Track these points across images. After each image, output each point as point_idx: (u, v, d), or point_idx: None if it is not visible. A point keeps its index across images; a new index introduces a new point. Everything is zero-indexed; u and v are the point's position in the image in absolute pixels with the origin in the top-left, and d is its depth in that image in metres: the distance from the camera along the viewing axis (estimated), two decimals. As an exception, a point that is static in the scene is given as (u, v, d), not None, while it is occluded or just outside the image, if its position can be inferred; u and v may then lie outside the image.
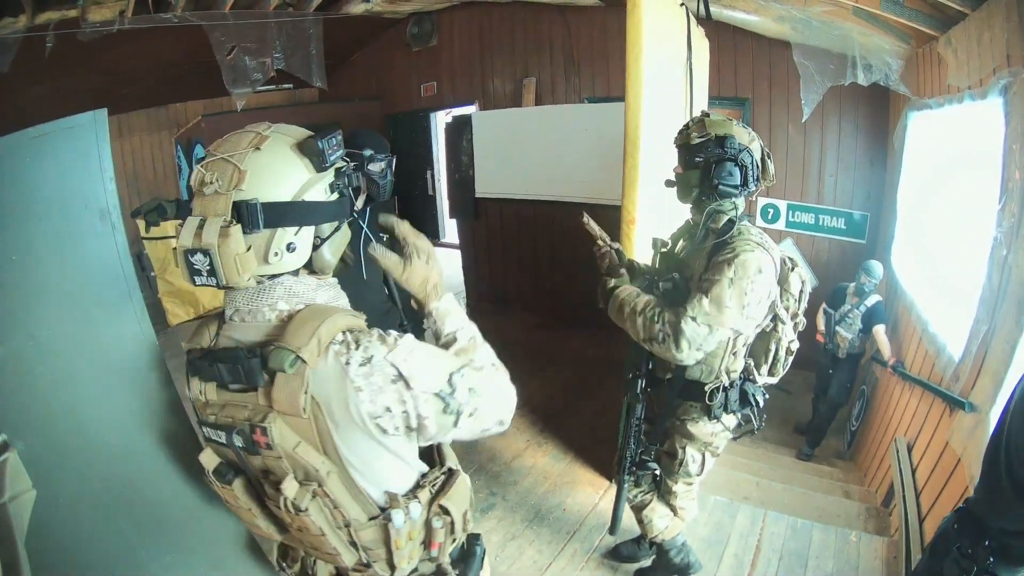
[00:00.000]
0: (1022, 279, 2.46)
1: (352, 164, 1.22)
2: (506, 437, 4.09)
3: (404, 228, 1.36)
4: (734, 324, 1.97)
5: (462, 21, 7.05)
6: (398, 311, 2.95)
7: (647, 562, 2.90)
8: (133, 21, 4.68)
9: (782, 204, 5.59)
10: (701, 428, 2.31)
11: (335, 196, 1.16)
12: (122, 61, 5.76)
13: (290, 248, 1.10)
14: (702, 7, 3.72)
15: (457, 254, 7.44)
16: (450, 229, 8.66)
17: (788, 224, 5.62)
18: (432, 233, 8.97)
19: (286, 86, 7.73)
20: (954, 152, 3.54)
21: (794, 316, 2.21)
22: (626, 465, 2.48)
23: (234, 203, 1.03)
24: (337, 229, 1.20)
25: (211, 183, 1.05)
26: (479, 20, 6.88)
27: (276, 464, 1.13)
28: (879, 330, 4.38)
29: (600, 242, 2.34)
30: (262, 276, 1.13)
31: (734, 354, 2.19)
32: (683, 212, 2.32)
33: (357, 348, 1.06)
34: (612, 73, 5.98)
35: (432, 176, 8.55)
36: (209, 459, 1.24)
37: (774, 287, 2.04)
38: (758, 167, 2.11)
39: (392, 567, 1.26)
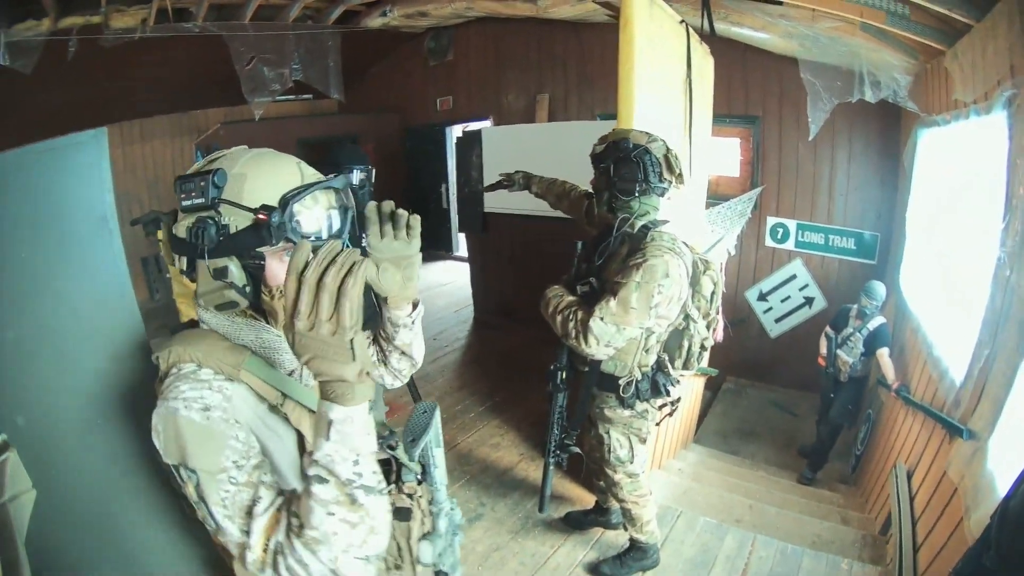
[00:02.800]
0: None
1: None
2: (500, 450, 4.12)
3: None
4: (640, 323, 2.15)
5: (478, 36, 7.12)
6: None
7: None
8: (155, 29, 4.78)
9: (792, 224, 5.51)
10: (618, 413, 2.57)
11: (188, 240, 1.13)
12: (144, 68, 5.87)
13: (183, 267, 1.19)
14: (707, 24, 3.68)
15: (467, 267, 7.44)
16: (462, 243, 8.71)
17: (797, 244, 5.55)
18: (445, 246, 8.99)
19: (305, 96, 7.82)
20: (961, 170, 3.46)
21: (706, 315, 2.48)
22: (550, 448, 2.70)
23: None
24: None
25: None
26: (495, 36, 6.94)
27: None
28: (883, 353, 4.28)
29: None
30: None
31: (646, 351, 2.43)
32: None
33: (169, 381, 1.11)
34: (624, 90, 5.96)
35: (446, 189, 8.59)
36: None
37: (686, 289, 2.22)
38: (659, 164, 2.26)
39: None
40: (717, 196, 5.41)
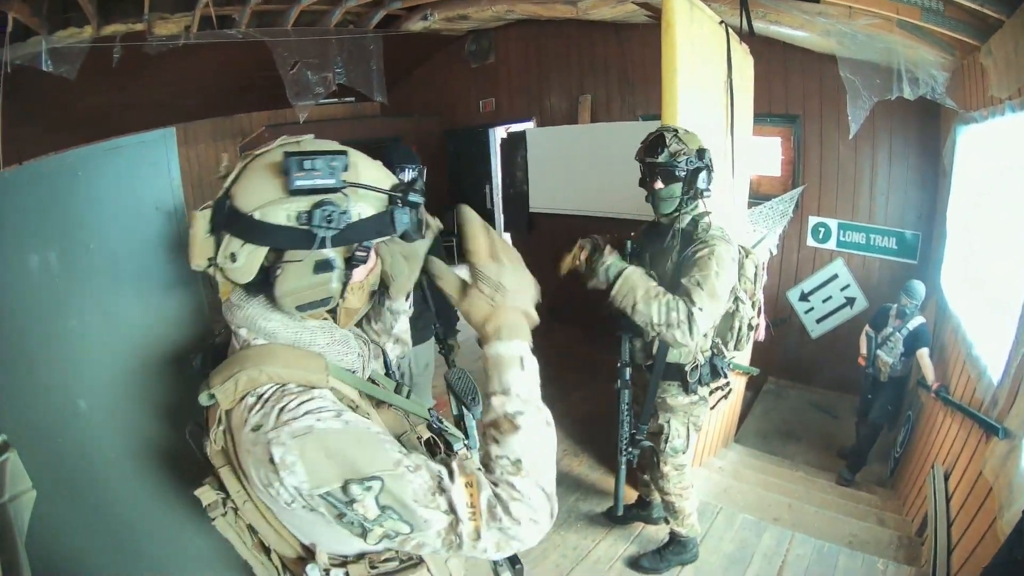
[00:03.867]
0: None
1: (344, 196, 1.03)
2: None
3: (474, 233, 1.15)
4: (724, 309, 2.32)
5: (518, 39, 7.20)
6: (431, 312, 3.05)
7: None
8: (199, 36, 4.97)
9: (833, 223, 5.46)
10: (680, 400, 2.65)
11: (298, 226, 1.01)
12: (188, 73, 6.08)
13: (233, 259, 1.03)
14: (745, 24, 3.70)
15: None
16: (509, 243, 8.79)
17: (839, 243, 5.49)
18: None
19: (348, 99, 8.00)
20: (999, 167, 3.41)
21: (751, 296, 2.60)
22: (622, 446, 2.73)
23: (218, 200, 1.05)
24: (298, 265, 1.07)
25: (222, 179, 1.08)
26: (535, 38, 7.01)
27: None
28: (923, 354, 4.22)
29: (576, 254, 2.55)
30: (231, 288, 1.12)
31: (705, 335, 2.52)
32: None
33: (259, 411, 1.00)
34: (664, 91, 5.98)
35: (490, 190, 8.69)
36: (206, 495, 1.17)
37: (736, 272, 2.40)
38: (711, 168, 2.42)
39: None
40: (759, 196, 5.42)
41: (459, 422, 1.50)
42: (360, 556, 1.14)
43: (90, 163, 1.75)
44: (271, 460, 0.94)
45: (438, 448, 1.32)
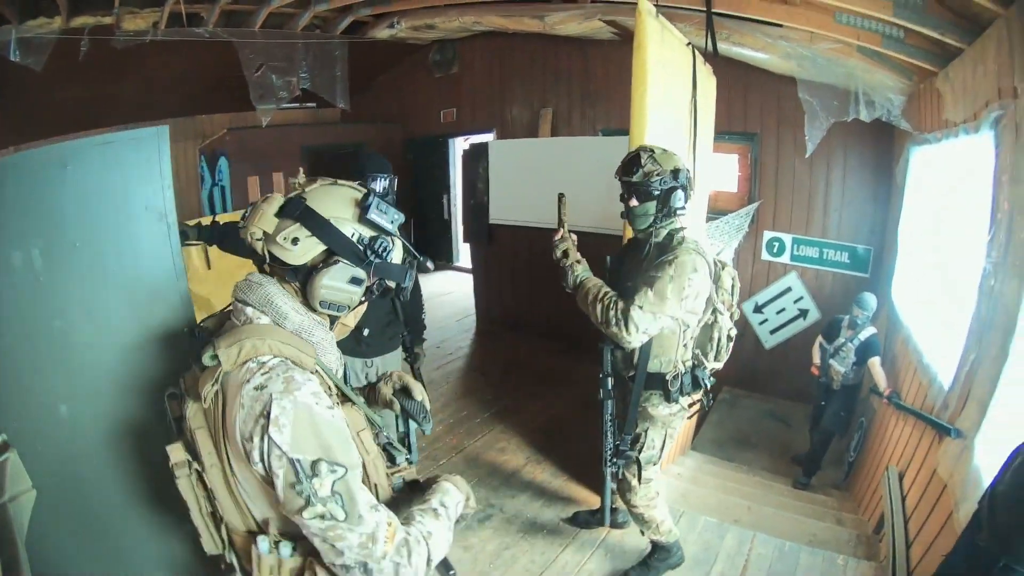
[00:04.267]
0: (1008, 308, 2.51)
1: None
2: (506, 453, 4.20)
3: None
4: (673, 312, 2.33)
5: (483, 50, 7.27)
6: (399, 323, 3.15)
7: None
8: (166, 33, 4.90)
9: (787, 238, 5.66)
10: (660, 410, 2.67)
11: (358, 244, 1.31)
12: (155, 70, 5.97)
13: (294, 242, 1.26)
14: (710, 45, 3.84)
15: (469, 278, 7.55)
16: (464, 253, 8.81)
17: (793, 258, 5.69)
18: (446, 256, 9.10)
19: (309, 105, 7.92)
20: (950, 185, 3.62)
21: (729, 307, 2.66)
22: (606, 457, 2.76)
23: (293, 196, 1.31)
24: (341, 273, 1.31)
25: (300, 187, 1.35)
26: (499, 50, 7.08)
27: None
28: (874, 362, 4.41)
29: (563, 229, 2.69)
30: (266, 259, 1.31)
31: (684, 346, 2.58)
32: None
33: (264, 374, 1.17)
34: (626, 106, 6.02)
35: (448, 200, 8.73)
36: (176, 453, 1.29)
37: (709, 285, 2.45)
38: (688, 186, 2.48)
39: None
40: (716, 211, 5.54)
41: (403, 439, 1.69)
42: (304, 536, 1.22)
43: (79, 157, 1.72)
44: (266, 414, 1.11)
45: (383, 456, 1.52)
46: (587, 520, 3.37)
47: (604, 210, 5.30)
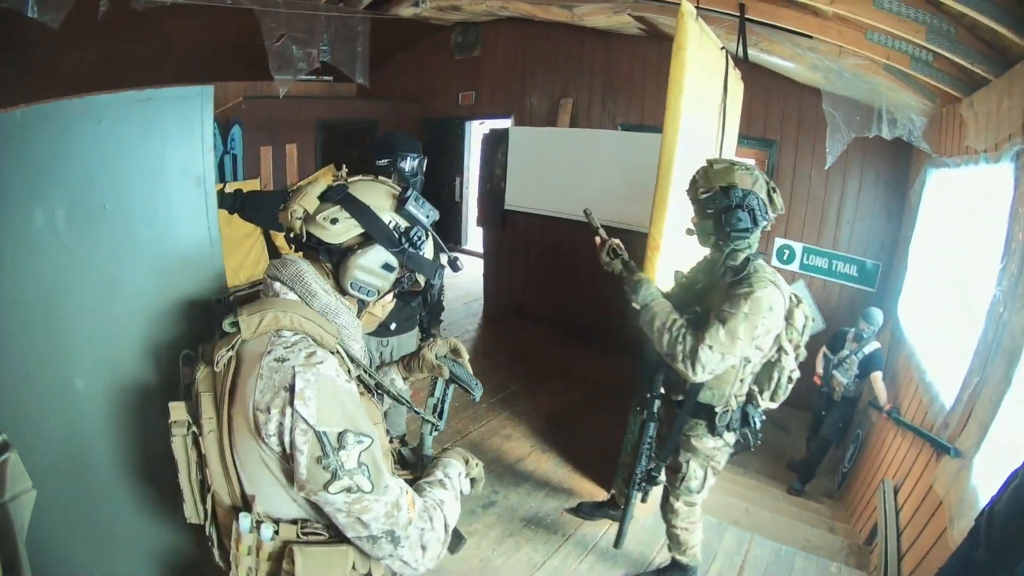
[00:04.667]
0: (1015, 335, 2.58)
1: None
2: (511, 441, 4.25)
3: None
4: (743, 353, 2.20)
5: (506, 35, 7.23)
6: (417, 303, 3.17)
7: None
8: (190, -3, 4.83)
9: (798, 246, 5.71)
10: (705, 443, 2.56)
11: (392, 228, 1.34)
12: (171, 35, 5.87)
13: (333, 222, 1.29)
14: (741, 49, 3.87)
15: (479, 262, 7.58)
16: (473, 237, 8.85)
17: (802, 266, 5.73)
18: (455, 239, 9.13)
19: (326, 78, 7.86)
20: (965, 211, 3.68)
21: (796, 347, 2.44)
22: (636, 480, 2.70)
23: (336, 183, 1.37)
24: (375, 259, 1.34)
25: (343, 178, 1.40)
26: (523, 37, 7.05)
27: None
28: (876, 376, 4.49)
29: (599, 237, 2.59)
30: (304, 237, 1.33)
31: (741, 381, 2.44)
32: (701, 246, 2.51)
33: (287, 347, 1.18)
34: (647, 102, 6.16)
35: (460, 183, 8.73)
36: (177, 412, 1.29)
37: (781, 321, 2.27)
38: (765, 205, 2.28)
39: (227, 565, 1.27)
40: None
41: (437, 406, 1.67)
42: (293, 521, 1.23)
43: (116, 112, 1.61)
44: (290, 387, 1.11)
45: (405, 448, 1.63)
46: (591, 512, 3.42)
47: (621, 205, 5.38)
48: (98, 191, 1.59)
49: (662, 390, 2.68)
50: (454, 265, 1.51)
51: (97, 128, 1.56)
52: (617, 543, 2.94)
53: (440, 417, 1.65)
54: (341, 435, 1.11)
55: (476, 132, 8.28)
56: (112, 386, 1.69)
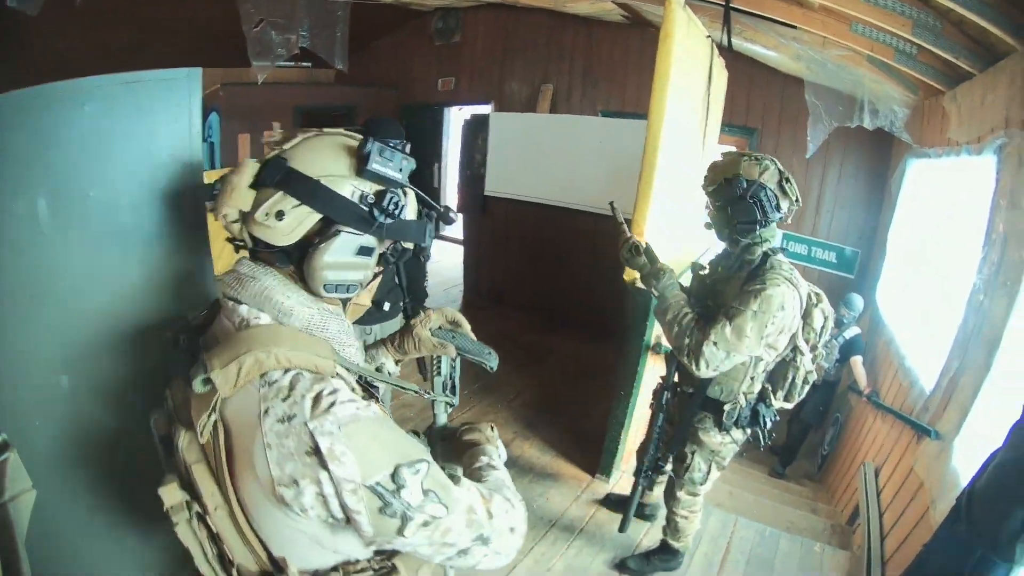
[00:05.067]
0: (994, 322, 2.66)
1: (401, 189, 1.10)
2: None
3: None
4: (751, 351, 2.17)
5: (487, 21, 7.18)
6: (400, 289, 3.04)
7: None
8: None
9: (777, 233, 5.74)
10: (711, 438, 2.54)
11: (361, 205, 1.04)
12: (149, 20, 5.78)
13: (279, 216, 1.00)
14: (725, 38, 3.89)
15: (459, 249, 7.58)
16: (455, 224, 8.81)
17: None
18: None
19: (304, 64, 7.78)
20: (946, 201, 3.77)
21: (813, 348, 2.44)
22: (645, 469, 2.73)
23: (270, 159, 1.05)
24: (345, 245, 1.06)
25: (278, 146, 1.08)
26: (504, 22, 7.01)
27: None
28: (857, 361, 4.60)
29: (623, 232, 2.53)
30: (250, 243, 1.09)
31: (752, 378, 2.40)
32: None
33: (285, 399, 0.93)
34: (629, 89, 6.17)
35: (439, 169, 8.69)
36: (171, 495, 1.04)
37: (797, 320, 2.23)
38: (775, 196, 2.22)
39: None
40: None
41: (447, 384, 1.51)
42: (333, 568, 1.06)
43: (101, 96, 1.51)
44: (315, 451, 0.89)
45: (417, 434, 1.39)
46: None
47: (602, 190, 5.40)
48: (81, 179, 1.51)
49: (675, 380, 2.66)
50: (447, 217, 1.27)
51: (80, 113, 1.48)
52: (622, 527, 2.93)
53: (454, 393, 1.50)
54: (395, 475, 0.92)
55: (456, 118, 8.23)
56: (99, 379, 1.62)
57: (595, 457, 3.71)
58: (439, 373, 1.50)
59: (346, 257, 1.05)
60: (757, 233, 2.27)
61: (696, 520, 2.86)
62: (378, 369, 1.46)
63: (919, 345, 3.80)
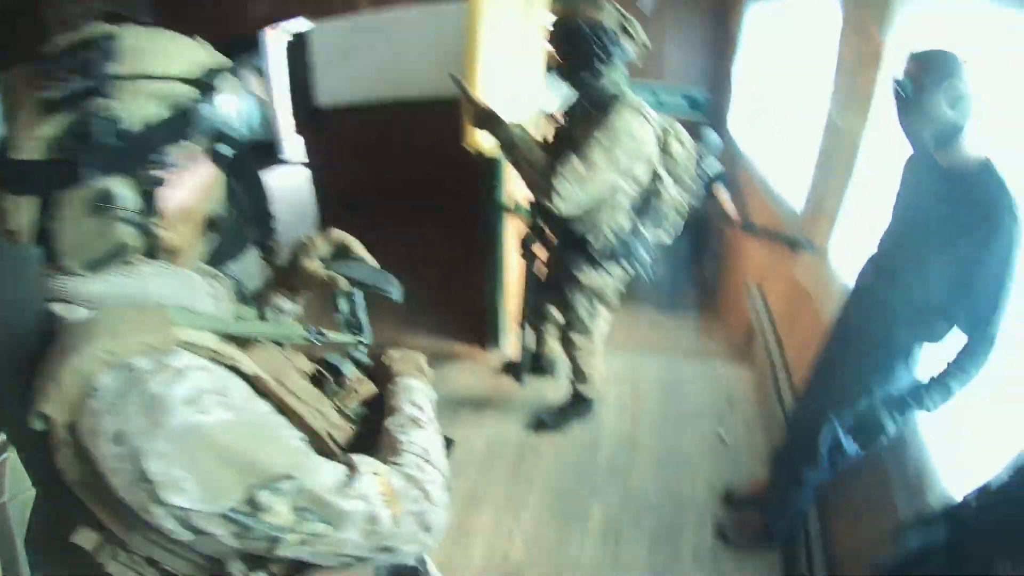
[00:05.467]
0: (851, 136, 2.89)
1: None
2: (374, 326, 4.08)
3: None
4: (605, 179, 2.22)
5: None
6: (239, 217, 2.68)
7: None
8: None
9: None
10: (588, 276, 2.61)
11: (57, 157, 0.72)
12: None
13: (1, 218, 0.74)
14: None
15: (301, 170, 7.28)
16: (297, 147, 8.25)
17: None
18: (269, 152, 8.57)
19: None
20: (792, 40, 4.01)
21: (678, 179, 2.51)
22: (526, 316, 2.83)
23: None
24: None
25: None
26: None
27: None
28: (719, 189, 4.87)
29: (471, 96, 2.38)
30: None
31: (614, 208, 2.43)
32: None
33: (114, 414, 0.71)
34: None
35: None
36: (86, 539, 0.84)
37: (654, 149, 2.33)
38: (615, 35, 2.25)
39: None
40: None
41: (350, 320, 1.23)
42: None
43: None
44: (145, 479, 0.70)
45: (326, 378, 1.07)
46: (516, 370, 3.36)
47: (433, 77, 5.20)
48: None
49: (540, 227, 2.70)
50: (236, 72, 0.83)
51: None
52: (519, 379, 3.06)
53: (360, 331, 1.21)
54: (251, 500, 0.73)
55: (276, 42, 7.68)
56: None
57: (483, 329, 3.74)
58: (337, 310, 1.22)
59: (80, 229, 0.76)
60: (603, 73, 2.29)
61: (598, 362, 2.94)
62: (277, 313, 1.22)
63: (782, 171, 4.13)
